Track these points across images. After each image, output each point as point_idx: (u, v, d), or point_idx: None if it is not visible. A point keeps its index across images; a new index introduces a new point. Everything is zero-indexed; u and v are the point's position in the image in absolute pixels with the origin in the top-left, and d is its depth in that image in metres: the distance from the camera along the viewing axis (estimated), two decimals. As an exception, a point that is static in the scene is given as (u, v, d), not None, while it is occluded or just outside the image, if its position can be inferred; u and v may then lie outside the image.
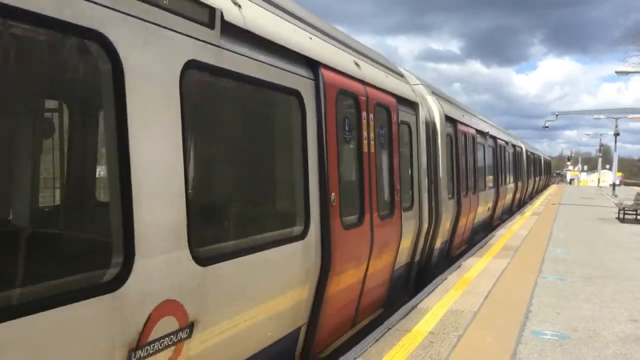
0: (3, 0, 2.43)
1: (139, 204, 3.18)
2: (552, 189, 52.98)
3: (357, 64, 6.65)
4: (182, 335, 3.59)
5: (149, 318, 3.27)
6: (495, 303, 7.76)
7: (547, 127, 44.89)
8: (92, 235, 3.37)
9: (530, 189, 33.57)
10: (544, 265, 10.79)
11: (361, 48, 7.39)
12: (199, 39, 3.74)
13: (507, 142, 22.22)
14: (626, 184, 77.35)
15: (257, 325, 4.52)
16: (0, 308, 2.59)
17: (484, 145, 16.27)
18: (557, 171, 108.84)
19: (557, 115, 43.31)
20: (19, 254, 3.59)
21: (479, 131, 15.29)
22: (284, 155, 5.64)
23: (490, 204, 17.23)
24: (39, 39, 2.99)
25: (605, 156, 75.16)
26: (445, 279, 9.32)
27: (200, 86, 4.03)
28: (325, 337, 5.91)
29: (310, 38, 5.58)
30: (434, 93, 11.10)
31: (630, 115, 44.54)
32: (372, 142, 6.74)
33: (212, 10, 3.84)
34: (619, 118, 44.18)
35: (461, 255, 12.33)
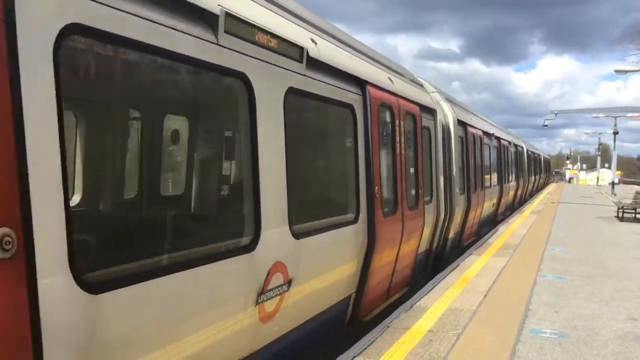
0: (204, 58, 3.93)
1: (263, 195, 4.61)
2: (551, 187, 53.02)
3: (390, 80, 8.03)
4: (285, 288, 4.96)
5: (268, 272, 4.65)
6: (494, 301, 7.78)
7: (546, 125, 44.97)
8: (240, 214, 4.81)
9: (530, 187, 34.82)
10: (543, 263, 10.80)
11: (392, 65, 8.89)
12: (294, 71, 5.16)
13: (509, 142, 23.32)
14: (625, 183, 77.44)
15: (325, 288, 5.89)
16: (193, 259, 3.96)
17: (489, 146, 17.47)
18: (556, 170, 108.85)
19: (556, 114, 43.33)
20: (203, 226, 5.21)
21: (485, 132, 16.52)
22: (343, 156, 6.97)
23: (495, 200, 18.42)
24: (208, 79, 4.57)
25: (604, 155, 75.17)
26: (445, 277, 9.34)
27: (293, 105, 5.19)
28: (367, 304, 7.22)
29: (358, 61, 6.94)
30: (447, 99, 12.39)
31: (629, 114, 44.55)
32: (402, 145, 8.07)
33: (301, 49, 5.26)
34: (618, 117, 44.17)
35: (470, 245, 13.50)
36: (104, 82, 4.66)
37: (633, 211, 21.21)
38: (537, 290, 8.50)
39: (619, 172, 66.93)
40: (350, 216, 6.50)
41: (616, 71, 28.76)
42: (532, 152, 37.29)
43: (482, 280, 9.07)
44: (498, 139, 19.71)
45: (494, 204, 18.31)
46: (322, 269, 5.76)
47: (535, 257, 11.44)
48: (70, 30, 2.92)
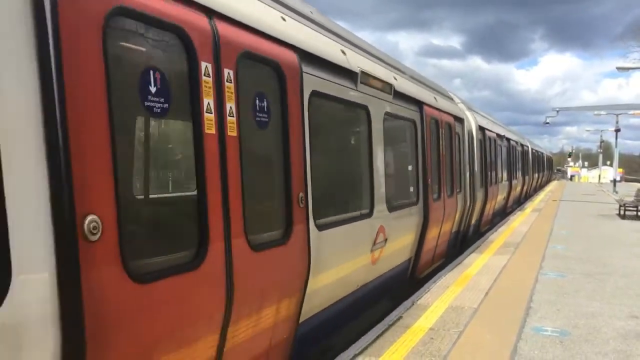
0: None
1: (375, 184, 7.21)
2: (553, 185, 52.97)
3: (435, 98, 10.68)
4: (383, 244, 7.35)
5: (377, 232, 7.11)
6: (495, 299, 7.77)
7: (547, 123, 44.88)
8: (366, 195, 7.12)
9: (535, 184, 37.53)
10: (544, 261, 10.79)
11: (435, 85, 11.90)
12: (387, 101, 7.69)
13: (517, 142, 25.93)
14: (627, 180, 77.31)
15: (400, 249, 8.35)
16: (352, 217, 6.61)
17: (501, 146, 19.96)
18: (558, 167, 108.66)
19: (557, 111, 43.26)
20: (362, 202, 7.13)
21: (498, 135, 19.00)
22: (409, 157, 9.27)
23: (505, 194, 21.02)
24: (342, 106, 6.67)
25: (606, 152, 75.14)
26: (446, 275, 9.34)
27: (387, 122, 7.63)
28: (420, 266, 9.66)
29: (418, 88, 9.59)
30: (470, 109, 15.08)
31: (631, 111, 44.44)
32: (443, 147, 10.62)
33: (391, 85, 7.83)
34: (619, 114, 44.12)
35: (487, 231, 15.89)
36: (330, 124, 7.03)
37: (635, 209, 21.14)
38: (538, 288, 8.49)
39: (620, 170, 66.81)
40: (414, 199, 9.03)
41: (618, 68, 28.68)
42: (536, 150, 39.31)
43: (483, 279, 9.07)
44: (508, 140, 22.13)
45: (504, 197, 20.84)
46: (400, 234, 8.12)
47: (537, 255, 11.43)
48: None
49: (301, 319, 5.29)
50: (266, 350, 4.77)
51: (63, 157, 2.73)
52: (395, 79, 8.21)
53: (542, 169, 45.24)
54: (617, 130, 44.39)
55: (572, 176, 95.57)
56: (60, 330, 2.74)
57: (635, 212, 20.99)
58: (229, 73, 4.08)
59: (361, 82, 6.72)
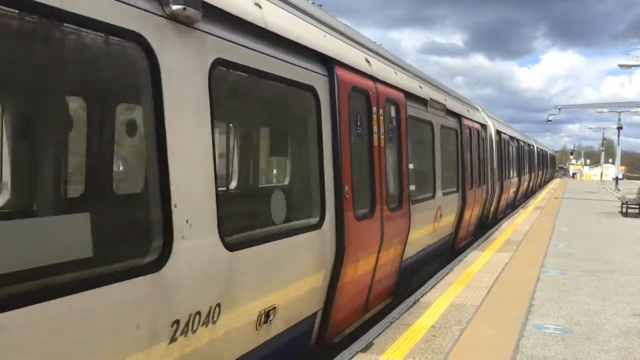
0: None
1: (438, 176, 10.27)
2: (555, 182, 52.90)
3: (468, 111, 13.68)
4: (440, 219, 10.07)
5: (437, 210, 9.88)
6: (497, 297, 7.78)
7: (550, 120, 44.85)
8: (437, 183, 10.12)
9: (539, 180, 40.91)
10: (546, 259, 10.79)
11: (468, 100, 15.70)
12: (441, 116, 10.35)
13: (524, 142, 29.13)
14: (629, 178, 77.14)
15: (445, 225, 10.71)
16: (421, 199, 9.15)
17: (513, 147, 22.96)
18: (560, 165, 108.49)
19: (560, 109, 43.23)
20: (425, 188, 9.70)
21: (510, 137, 22.12)
22: (454, 158, 11.82)
23: (515, 188, 23.84)
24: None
25: (608, 150, 75.07)
26: (448, 273, 9.34)
27: (443, 133, 10.49)
28: (459, 241, 12.49)
29: (460, 105, 13.04)
30: (489, 116, 17.96)
31: (634, 109, 44.39)
32: (475, 149, 13.86)
33: (444, 105, 10.53)
34: (622, 112, 44.06)
35: (502, 219, 18.64)
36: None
37: (637, 206, 21.11)
38: (540, 286, 8.49)
39: (622, 168, 66.67)
40: (455, 188, 11.64)
41: (620, 66, 28.62)
42: (540, 149, 42.44)
43: (485, 276, 9.07)
44: (518, 140, 25.30)
45: (514, 191, 23.68)
46: (424, 226, 9.25)
47: (539, 253, 11.42)
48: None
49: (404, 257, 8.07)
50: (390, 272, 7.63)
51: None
52: (446, 99, 11.15)
53: (545, 166, 48.84)
54: (620, 128, 44.36)
55: (574, 174, 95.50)
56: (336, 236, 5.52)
57: (637, 210, 20.96)
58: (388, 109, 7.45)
59: (430, 106, 9.62)
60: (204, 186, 3.69)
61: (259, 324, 4.45)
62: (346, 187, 5.79)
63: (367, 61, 7.00)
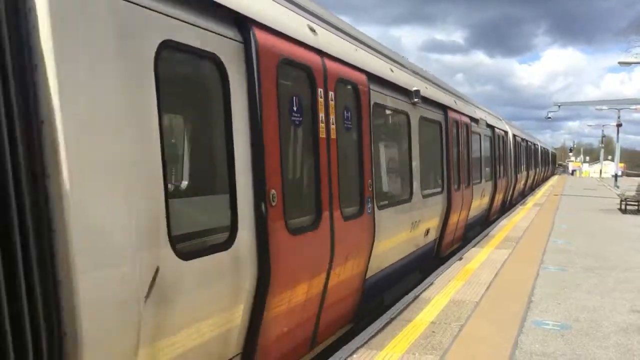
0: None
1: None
2: (554, 179, 52.92)
3: (503, 123, 19.73)
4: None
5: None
6: (497, 293, 7.79)
7: (549, 117, 44.79)
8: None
9: (542, 175, 46.07)
10: (545, 255, 10.81)
11: (497, 114, 20.58)
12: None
13: (532, 143, 34.27)
14: (628, 175, 77.11)
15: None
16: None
17: (523, 147, 27.10)
18: (559, 162, 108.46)
19: (559, 106, 43.15)
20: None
21: (522, 139, 26.92)
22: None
23: (524, 181, 28.40)
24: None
25: (608, 147, 75.05)
26: (447, 269, 9.35)
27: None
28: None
29: (496, 120, 18.41)
30: (507, 123, 22.65)
31: (633, 106, 44.31)
32: (497, 149, 17.51)
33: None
34: (621, 109, 44.00)
35: (517, 203, 23.77)
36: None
37: (636, 203, 21.11)
38: (539, 282, 8.50)
39: (622, 165, 66.64)
40: (489, 177, 15.31)
41: (620, 63, 28.62)
42: (543, 147, 47.54)
43: (484, 273, 9.08)
44: (526, 141, 29.84)
45: (523, 183, 28.05)
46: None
47: (538, 249, 11.44)
48: None
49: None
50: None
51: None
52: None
53: (548, 163, 55.63)
54: (619, 125, 44.29)
55: (573, 171, 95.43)
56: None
57: (636, 207, 20.95)
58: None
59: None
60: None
61: None
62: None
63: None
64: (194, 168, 5.93)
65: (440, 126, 10.60)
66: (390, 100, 7.76)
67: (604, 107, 46.48)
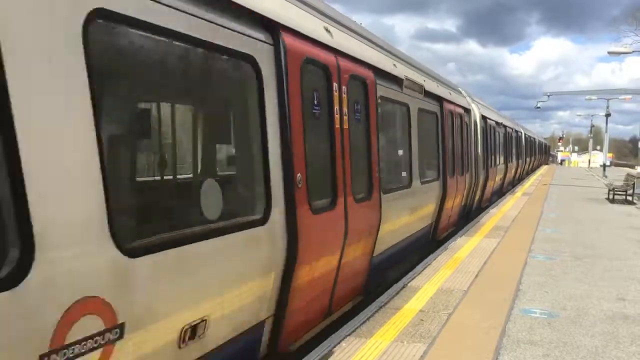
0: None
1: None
2: (543, 169, 53.24)
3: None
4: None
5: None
6: (485, 282, 7.83)
7: (538, 107, 45.05)
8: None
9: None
10: (534, 244, 10.87)
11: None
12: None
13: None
14: (617, 165, 77.82)
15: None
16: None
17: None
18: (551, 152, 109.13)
19: (549, 96, 43.36)
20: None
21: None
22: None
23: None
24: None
25: (596, 137, 75.43)
26: (436, 258, 9.38)
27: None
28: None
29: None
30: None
31: (622, 96, 44.63)
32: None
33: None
34: (610, 99, 44.25)
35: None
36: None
37: (624, 193, 21.33)
38: (527, 271, 8.56)
39: (610, 155, 67.20)
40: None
41: (610, 53, 28.65)
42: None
43: (473, 261, 9.12)
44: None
45: (515, 170, 28.68)
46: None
47: (527, 238, 11.51)
48: None
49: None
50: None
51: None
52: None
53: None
54: (608, 115, 44.52)
55: (562, 160, 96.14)
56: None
57: (624, 196, 21.17)
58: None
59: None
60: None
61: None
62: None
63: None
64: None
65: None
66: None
67: (594, 97, 46.71)
